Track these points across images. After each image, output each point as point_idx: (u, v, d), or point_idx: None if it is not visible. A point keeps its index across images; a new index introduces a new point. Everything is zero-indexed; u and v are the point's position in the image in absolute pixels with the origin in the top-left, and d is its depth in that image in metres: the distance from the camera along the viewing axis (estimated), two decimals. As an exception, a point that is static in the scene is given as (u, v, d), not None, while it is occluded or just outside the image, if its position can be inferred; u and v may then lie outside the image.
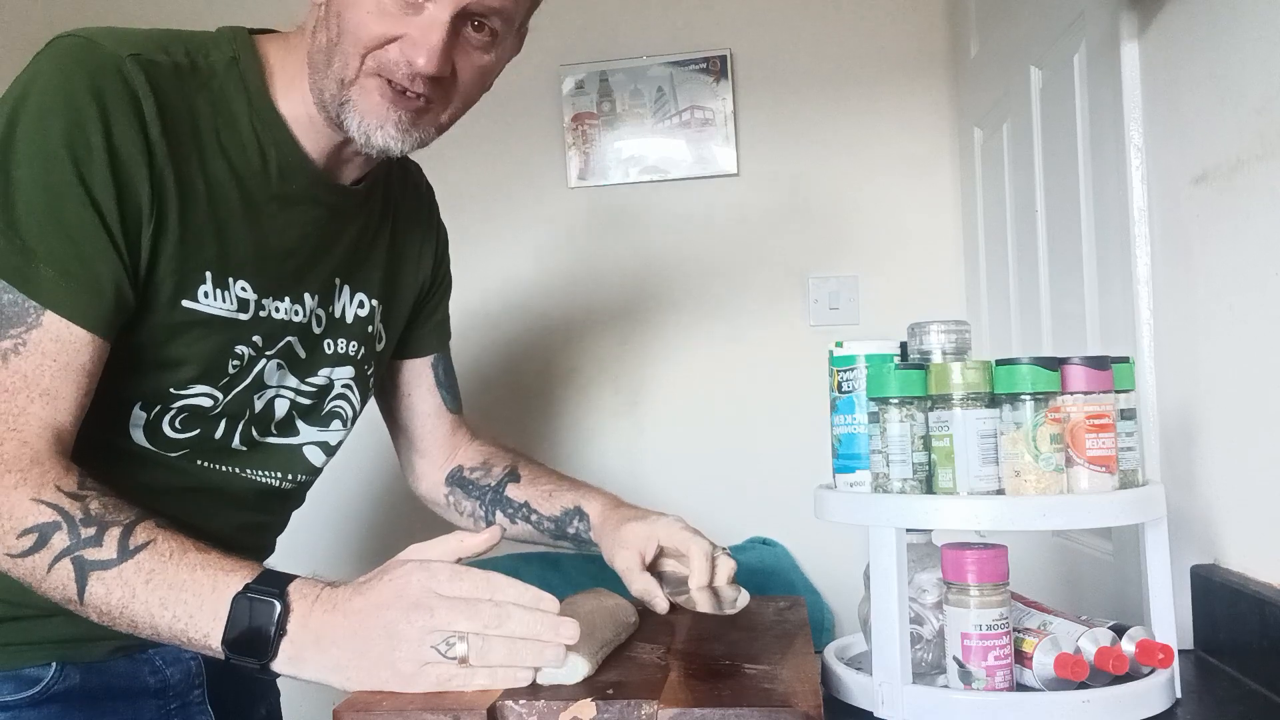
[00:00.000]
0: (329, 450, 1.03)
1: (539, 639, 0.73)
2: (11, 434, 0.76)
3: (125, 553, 0.75)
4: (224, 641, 0.73)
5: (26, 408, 0.77)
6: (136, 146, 0.80)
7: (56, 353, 0.78)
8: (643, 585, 0.97)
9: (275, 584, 0.75)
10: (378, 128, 0.86)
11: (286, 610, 0.74)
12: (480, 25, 0.85)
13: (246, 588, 0.74)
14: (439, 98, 0.87)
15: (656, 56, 2.05)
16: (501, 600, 0.74)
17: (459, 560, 0.79)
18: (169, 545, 0.76)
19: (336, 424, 1.02)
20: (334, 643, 0.73)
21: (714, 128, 2.03)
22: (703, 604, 0.92)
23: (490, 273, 2.07)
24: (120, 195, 0.79)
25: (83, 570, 0.74)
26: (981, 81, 1.78)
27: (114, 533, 0.75)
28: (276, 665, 0.74)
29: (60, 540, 0.74)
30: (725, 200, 2.05)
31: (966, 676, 0.77)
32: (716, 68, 2.03)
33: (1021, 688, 0.79)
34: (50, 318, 0.78)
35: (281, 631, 0.73)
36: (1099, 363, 0.80)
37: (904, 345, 0.89)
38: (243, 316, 0.89)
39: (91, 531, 0.75)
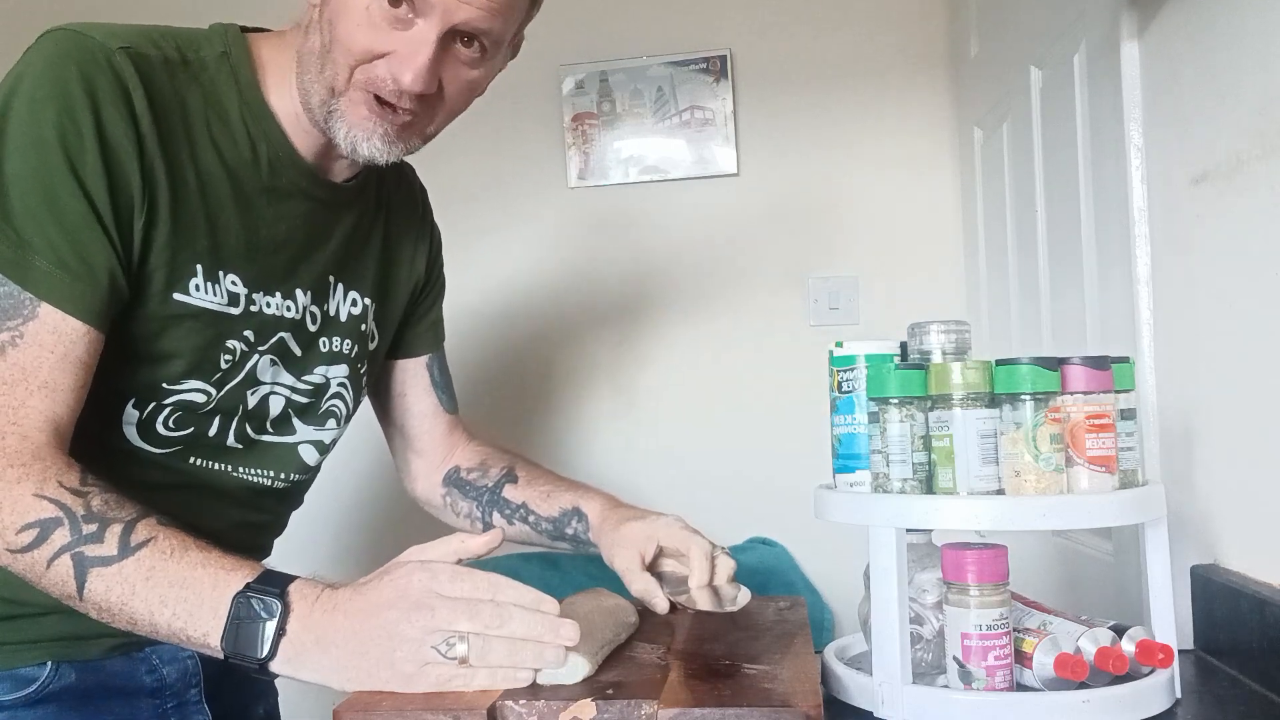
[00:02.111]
0: (323, 449, 1.03)
1: (539, 640, 0.73)
2: (12, 427, 0.76)
3: (126, 549, 0.74)
4: (223, 640, 0.73)
5: (26, 400, 0.77)
6: (127, 137, 0.80)
7: (54, 344, 0.78)
8: (643, 585, 0.97)
9: (276, 584, 0.75)
10: (364, 139, 0.86)
11: (287, 610, 0.74)
12: (470, 40, 0.85)
13: (247, 587, 0.74)
14: (425, 112, 0.88)
15: (656, 56, 2.05)
16: (502, 601, 0.74)
17: (459, 561, 0.79)
18: (170, 543, 0.76)
19: (332, 423, 1.02)
20: (334, 643, 0.73)
21: (714, 128, 2.03)
22: (703, 602, 0.92)
23: (490, 273, 2.07)
24: (112, 185, 0.79)
25: (82, 566, 0.74)
26: (981, 81, 1.78)
27: (115, 529, 0.75)
28: (275, 665, 0.74)
29: (61, 536, 0.74)
30: (725, 200, 2.04)
31: (966, 676, 0.77)
32: (716, 68, 2.03)
33: (1021, 688, 0.79)
34: (46, 309, 0.77)
35: (281, 631, 0.73)
36: (1099, 363, 0.80)
37: (904, 345, 0.89)
38: (233, 310, 0.89)
39: (93, 528, 0.75)
